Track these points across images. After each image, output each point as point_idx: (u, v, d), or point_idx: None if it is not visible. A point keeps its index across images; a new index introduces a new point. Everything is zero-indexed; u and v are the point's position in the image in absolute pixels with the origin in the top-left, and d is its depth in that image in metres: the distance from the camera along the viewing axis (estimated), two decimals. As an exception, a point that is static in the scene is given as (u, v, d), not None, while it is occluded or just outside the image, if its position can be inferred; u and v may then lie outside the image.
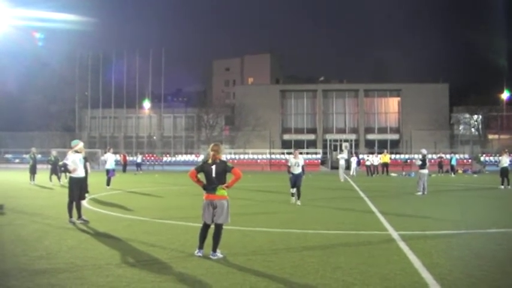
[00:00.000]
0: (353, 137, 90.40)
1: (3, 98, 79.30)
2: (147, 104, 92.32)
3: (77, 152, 15.84)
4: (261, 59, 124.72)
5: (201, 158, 74.66)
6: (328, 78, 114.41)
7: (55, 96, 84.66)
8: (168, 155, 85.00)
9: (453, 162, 55.24)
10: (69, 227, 14.64)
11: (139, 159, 61.57)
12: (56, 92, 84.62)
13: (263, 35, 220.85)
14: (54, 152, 36.10)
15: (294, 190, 21.99)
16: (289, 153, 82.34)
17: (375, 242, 12.68)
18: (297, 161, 22.06)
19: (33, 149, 35.70)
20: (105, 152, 35.36)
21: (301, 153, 25.22)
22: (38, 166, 35.72)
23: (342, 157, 41.66)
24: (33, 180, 33.76)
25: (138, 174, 53.77)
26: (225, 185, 10.58)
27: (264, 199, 24.87)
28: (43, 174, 36.18)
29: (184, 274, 9.14)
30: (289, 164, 22.55)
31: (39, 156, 38.49)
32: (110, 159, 31.59)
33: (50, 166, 35.36)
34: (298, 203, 21.49)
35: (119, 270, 9.39)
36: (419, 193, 26.70)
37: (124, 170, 54.17)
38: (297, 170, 21.98)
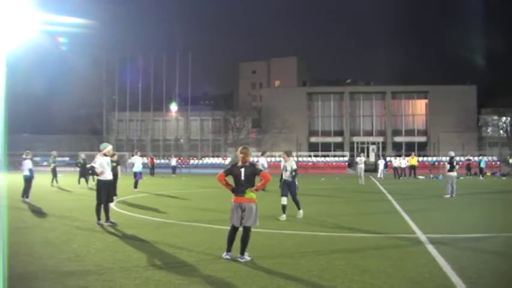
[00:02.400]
0: (380, 139, 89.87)
1: (31, 101, 79.94)
2: (174, 107, 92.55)
3: (105, 155, 15.90)
4: (287, 62, 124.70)
5: (228, 160, 74.77)
6: (355, 81, 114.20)
7: (82, 100, 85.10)
8: (195, 158, 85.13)
9: (482, 164, 54.79)
10: (97, 229, 14.72)
11: (173, 162, 61.45)
12: (84, 95, 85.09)
13: (289, 37, 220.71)
14: (82, 155, 36.29)
15: (285, 201, 17.73)
16: (316, 156, 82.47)
17: (402, 245, 12.61)
18: (285, 164, 18.06)
19: (54, 152, 35.87)
20: (133, 155, 35.46)
21: (292, 155, 19.91)
22: (66, 169, 35.95)
23: (360, 160, 41.06)
24: (56, 182, 33.88)
25: (172, 177, 53.78)
26: (254, 187, 10.58)
27: (291, 202, 24.81)
28: (72, 177, 36.35)
29: (212, 277, 9.13)
30: (281, 169, 18.50)
31: (66, 159, 38.57)
32: (138, 162, 31.71)
33: (78, 169, 35.49)
34: (300, 214, 17.86)
35: (147, 272, 9.41)
36: (448, 196, 26.47)
37: (152, 173, 54.32)
38: (288, 176, 17.89)
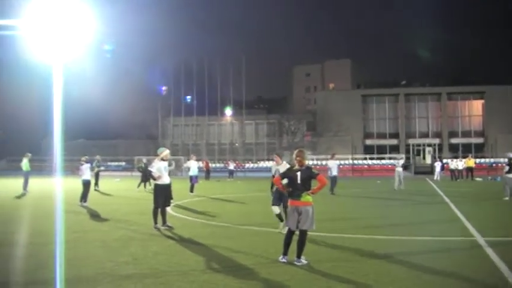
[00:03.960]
0: (436, 141, 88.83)
1: (88, 108, 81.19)
2: (228, 112, 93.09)
3: (162, 159, 16.03)
4: (341, 64, 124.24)
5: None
6: (410, 82, 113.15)
7: (138, 106, 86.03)
8: (250, 162, 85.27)
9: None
10: (154, 233, 14.87)
11: (231, 166, 61.59)
12: (139, 101, 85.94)
13: (343, 39, 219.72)
14: (144, 160, 36.65)
15: (278, 210, 14.99)
16: (371, 158, 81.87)
17: (460, 248, 12.44)
18: (277, 168, 15.14)
19: (98, 157, 35.81)
20: (188, 159, 35.63)
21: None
22: (122, 173, 36.16)
23: (398, 163, 39.78)
24: (97, 186, 33.85)
25: (227, 180, 53.86)
26: (310, 191, 10.54)
27: (348, 205, 24.72)
28: (129, 181, 36.62)
29: (269, 280, 9.14)
30: (272, 173, 16.03)
31: (123, 163, 38.95)
32: (193, 166, 31.85)
33: (140, 173, 35.81)
34: (284, 230, 12.59)
35: (204, 275, 9.47)
36: (507, 198, 25.96)
37: (207, 177, 54.46)
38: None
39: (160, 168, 15.78)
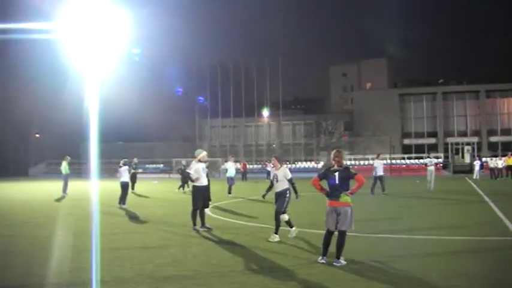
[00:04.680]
0: (475, 139, 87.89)
1: (125, 111, 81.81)
2: (265, 113, 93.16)
3: (200, 161, 16.06)
4: (377, 64, 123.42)
5: (320, 164, 74.52)
6: (448, 80, 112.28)
7: (175, 107, 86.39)
8: (287, 162, 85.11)
9: None
10: (193, 234, 14.94)
11: (269, 167, 61.77)
12: (176, 103, 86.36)
13: (379, 38, 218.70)
14: (183, 161, 36.84)
15: (287, 217, 14.10)
16: (409, 158, 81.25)
17: (501, 248, 12.33)
18: (276, 172, 14.32)
19: (135, 159, 36.00)
20: (226, 161, 35.72)
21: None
22: (160, 175, 36.31)
23: (430, 162, 38.85)
24: (133, 189, 33.65)
25: (266, 181, 53.88)
26: (349, 191, 10.49)
27: (386, 204, 24.58)
28: (168, 183, 36.78)
29: (308, 281, 9.12)
30: (271, 178, 14.97)
31: (160, 165, 39.13)
32: (231, 167, 31.91)
33: (179, 175, 35.99)
34: (272, 238, 13.65)
35: (243, 277, 9.50)
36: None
37: (244, 178, 54.47)
38: (278, 187, 14.15)
39: (198, 170, 15.81)
